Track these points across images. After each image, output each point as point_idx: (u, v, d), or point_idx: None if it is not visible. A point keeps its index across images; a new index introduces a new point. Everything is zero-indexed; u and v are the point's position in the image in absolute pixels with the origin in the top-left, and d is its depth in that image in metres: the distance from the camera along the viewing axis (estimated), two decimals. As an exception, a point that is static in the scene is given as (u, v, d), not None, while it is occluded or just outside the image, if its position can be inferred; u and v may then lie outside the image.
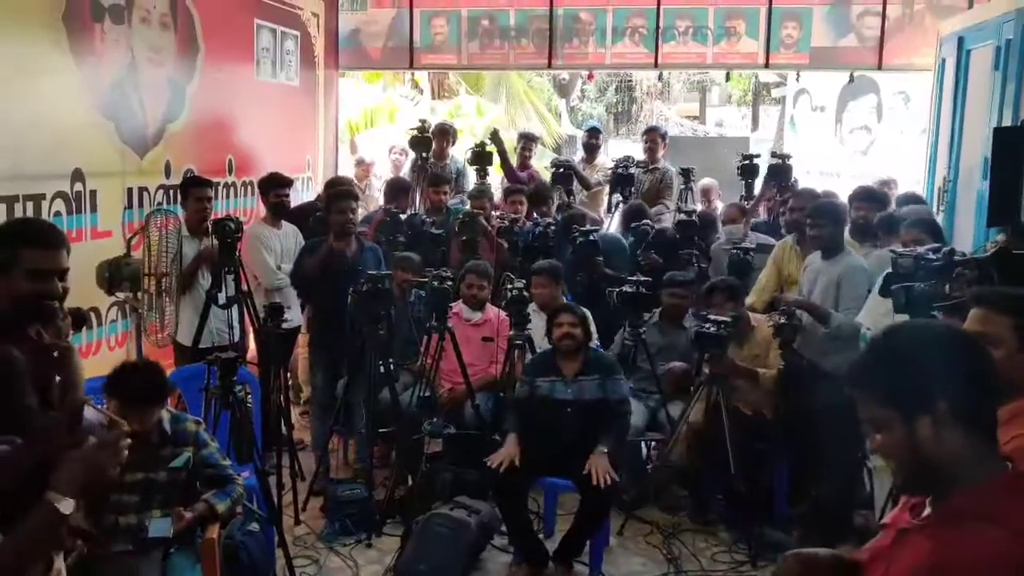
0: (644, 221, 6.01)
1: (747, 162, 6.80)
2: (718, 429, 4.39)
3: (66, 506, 1.63)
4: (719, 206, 7.31)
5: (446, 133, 7.41)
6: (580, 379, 4.38)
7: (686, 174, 7.01)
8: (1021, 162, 3.19)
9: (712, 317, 4.47)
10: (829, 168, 11.18)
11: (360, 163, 8.75)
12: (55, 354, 2.19)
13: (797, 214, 5.29)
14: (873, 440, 1.54)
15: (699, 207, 6.92)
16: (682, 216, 5.85)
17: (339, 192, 5.29)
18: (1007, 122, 5.10)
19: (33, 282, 2.21)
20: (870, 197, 5.18)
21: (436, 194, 6.35)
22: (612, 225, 6.78)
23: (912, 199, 6.01)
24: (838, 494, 4.51)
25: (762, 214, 6.62)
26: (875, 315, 4.06)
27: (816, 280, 4.62)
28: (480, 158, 7.07)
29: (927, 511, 1.53)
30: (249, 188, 6.38)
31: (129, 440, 1.81)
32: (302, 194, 7.39)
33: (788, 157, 6.61)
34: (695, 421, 4.59)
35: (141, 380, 3.11)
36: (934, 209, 6.28)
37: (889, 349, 1.54)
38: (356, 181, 7.68)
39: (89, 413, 1.83)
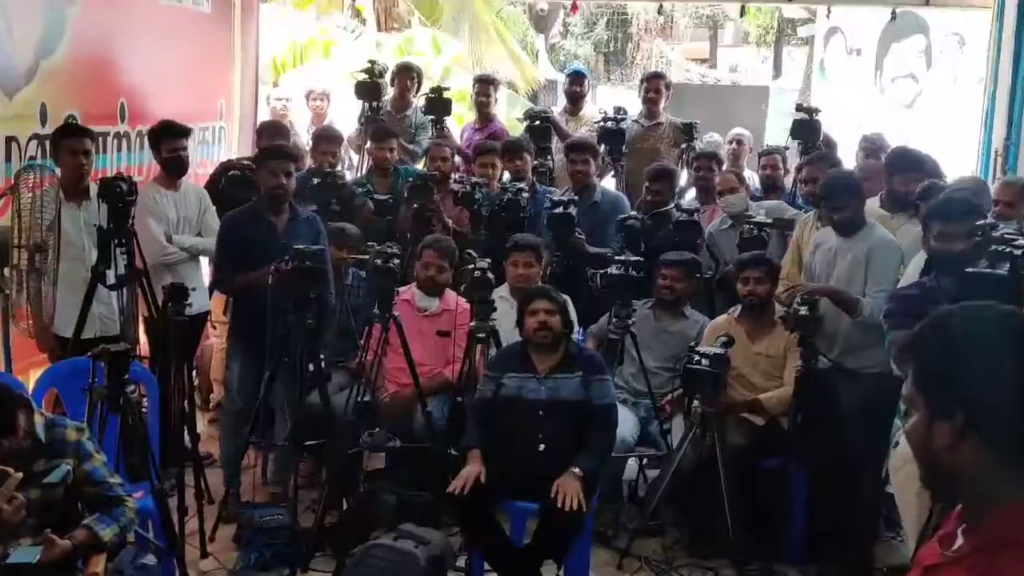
0: (632, 215, 5.83)
1: (805, 116, 6.66)
2: (712, 478, 4.50)
3: None
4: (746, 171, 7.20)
5: (408, 73, 7.38)
6: (556, 376, 4.45)
7: (688, 130, 7.02)
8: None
9: (702, 350, 4.59)
10: (867, 125, 11.32)
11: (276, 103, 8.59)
12: None
13: (812, 186, 5.36)
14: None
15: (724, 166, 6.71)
16: (681, 216, 5.70)
17: (275, 150, 5.29)
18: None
19: None
20: (915, 164, 5.22)
21: (381, 151, 6.35)
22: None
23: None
24: (864, 520, 4.62)
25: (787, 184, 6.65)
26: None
27: (835, 261, 4.72)
28: (437, 106, 7.08)
29: (959, 542, 1.58)
30: (147, 139, 6.33)
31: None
32: (213, 147, 7.37)
33: (816, 112, 6.69)
34: (687, 463, 4.70)
35: None
36: (989, 178, 6.40)
37: (941, 325, 1.59)
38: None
39: None
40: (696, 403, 4.69)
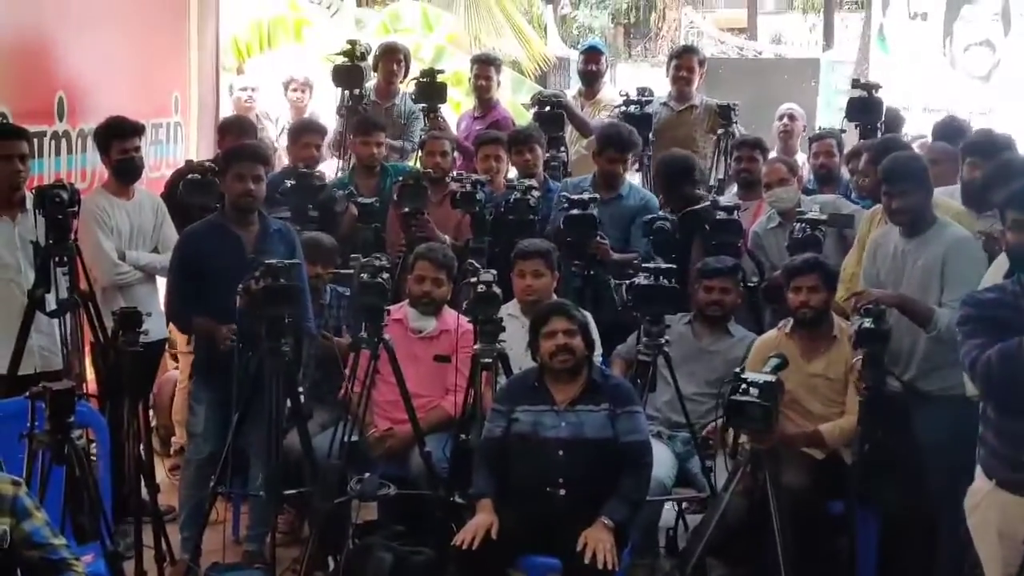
0: (660, 216, 5.84)
1: (863, 93, 6.65)
2: (765, 524, 4.41)
3: None
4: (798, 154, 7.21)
5: (394, 54, 7.41)
6: (579, 409, 4.44)
7: (725, 113, 7.02)
8: None
9: (750, 378, 4.43)
10: (935, 102, 11.30)
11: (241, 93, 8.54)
12: None
13: (863, 178, 5.43)
14: None
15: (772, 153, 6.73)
16: (720, 214, 5.67)
17: (240, 150, 5.29)
18: None
19: None
20: (990, 148, 5.17)
21: (366, 146, 6.36)
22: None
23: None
24: (945, 572, 4.59)
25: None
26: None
27: (904, 267, 4.69)
28: (429, 92, 7.09)
29: None
30: (89, 140, 6.34)
31: None
32: (168, 147, 7.37)
33: (876, 87, 6.69)
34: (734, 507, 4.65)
35: None
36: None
37: None
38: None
39: None
40: (744, 439, 4.65)
